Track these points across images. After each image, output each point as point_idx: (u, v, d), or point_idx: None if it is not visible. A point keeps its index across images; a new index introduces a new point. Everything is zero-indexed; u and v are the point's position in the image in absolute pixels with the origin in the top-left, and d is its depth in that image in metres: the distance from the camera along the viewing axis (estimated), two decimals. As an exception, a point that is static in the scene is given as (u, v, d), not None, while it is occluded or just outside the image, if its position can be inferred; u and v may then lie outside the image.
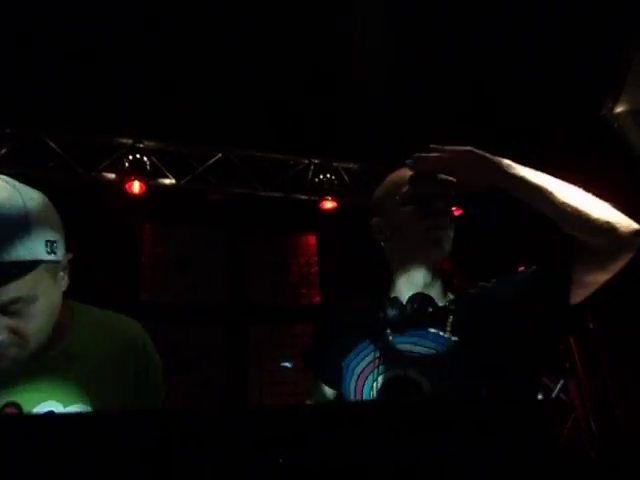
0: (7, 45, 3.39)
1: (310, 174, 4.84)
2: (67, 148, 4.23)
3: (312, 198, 4.81)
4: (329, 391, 1.40)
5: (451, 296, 1.32)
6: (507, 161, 1.09)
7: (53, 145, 4.21)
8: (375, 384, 1.22)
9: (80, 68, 3.62)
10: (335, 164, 4.87)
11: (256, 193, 4.72)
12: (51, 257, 0.96)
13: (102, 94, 3.81)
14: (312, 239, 5.30)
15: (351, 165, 4.93)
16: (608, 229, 1.01)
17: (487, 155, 1.10)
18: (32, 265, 0.91)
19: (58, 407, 0.99)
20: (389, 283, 1.37)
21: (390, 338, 1.26)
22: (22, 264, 0.90)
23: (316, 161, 4.84)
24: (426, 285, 1.30)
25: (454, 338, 1.20)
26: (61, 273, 1.02)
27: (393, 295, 1.31)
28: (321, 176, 4.81)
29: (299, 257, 5.22)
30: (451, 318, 1.22)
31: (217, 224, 5.01)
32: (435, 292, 1.29)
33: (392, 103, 4.03)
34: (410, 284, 1.30)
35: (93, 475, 0.44)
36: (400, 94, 3.96)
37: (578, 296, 1.11)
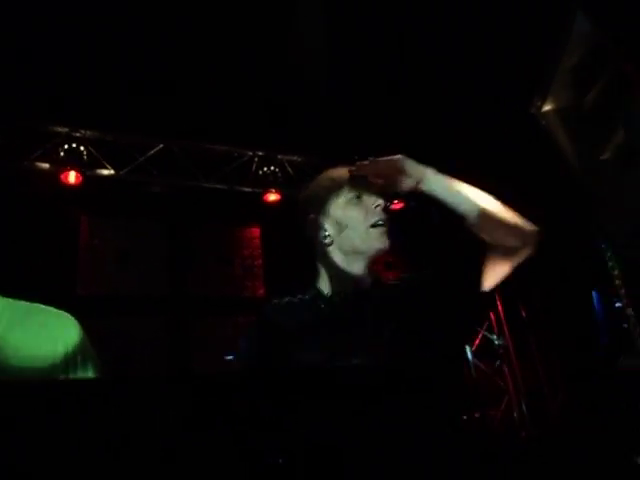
0: None
1: (254, 166, 4.82)
2: (-2, 135, 4.03)
3: (256, 190, 4.79)
4: None
5: (376, 290, 1.42)
6: (432, 169, 1.31)
7: (-19, 132, 3.99)
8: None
9: (17, 52, 3.45)
10: (279, 157, 4.87)
11: (199, 185, 4.66)
12: None
13: (38, 80, 3.64)
14: (256, 231, 5.28)
15: (295, 158, 4.94)
16: (514, 230, 1.25)
17: (415, 163, 1.31)
18: None
19: None
20: (320, 276, 1.46)
21: (329, 332, 1.33)
22: None
23: (260, 153, 4.82)
24: (363, 278, 1.41)
25: (387, 333, 1.30)
26: None
27: (325, 290, 1.42)
28: (265, 168, 4.80)
29: (243, 249, 5.19)
30: (378, 312, 1.33)
31: (159, 216, 4.91)
32: (368, 282, 1.41)
33: (337, 97, 4.07)
34: (347, 278, 1.40)
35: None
36: (345, 88, 4.01)
37: (488, 285, 1.31)
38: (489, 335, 5.11)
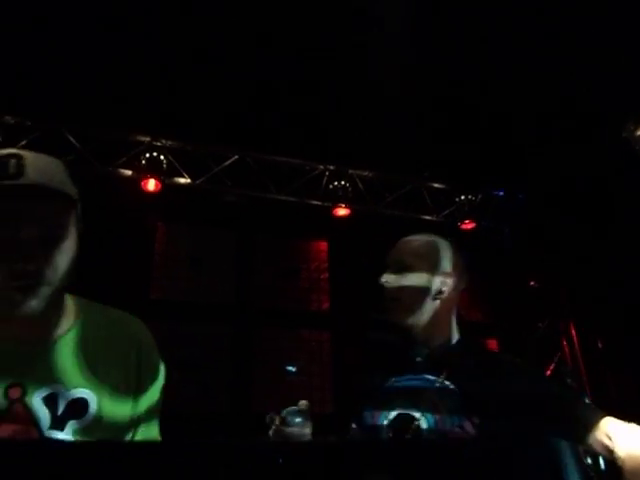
0: (30, 40, 3.43)
1: (325, 180, 4.84)
2: (86, 143, 4.28)
3: (325, 204, 4.81)
4: None
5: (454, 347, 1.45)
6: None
7: (72, 139, 4.25)
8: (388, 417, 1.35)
9: (103, 64, 3.66)
10: (350, 171, 4.87)
11: (270, 196, 4.73)
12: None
13: (123, 91, 3.84)
14: (324, 245, 5.29)
15: (366, 173, 4.93)
16: None
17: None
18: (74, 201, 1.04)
19: (60, 390, 1.00)
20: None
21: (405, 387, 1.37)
22: (68, 196, 1.02)
23: (331, 167, 4.84)
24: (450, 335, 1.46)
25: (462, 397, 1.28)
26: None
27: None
28: (336, 183, 4.81)
29: (310, 262, 5.21)
30: (457, 376, 1.32)
31: (230, 225, 5.02)
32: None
33: (410, 113, 4.03)
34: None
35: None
36: (418, 104, 3.96)
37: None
38: (562, 367, 4.83)
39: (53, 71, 3.65)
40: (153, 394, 1.14)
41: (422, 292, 1.41)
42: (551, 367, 4.89)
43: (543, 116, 3.91)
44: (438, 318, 1.43)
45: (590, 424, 1.16)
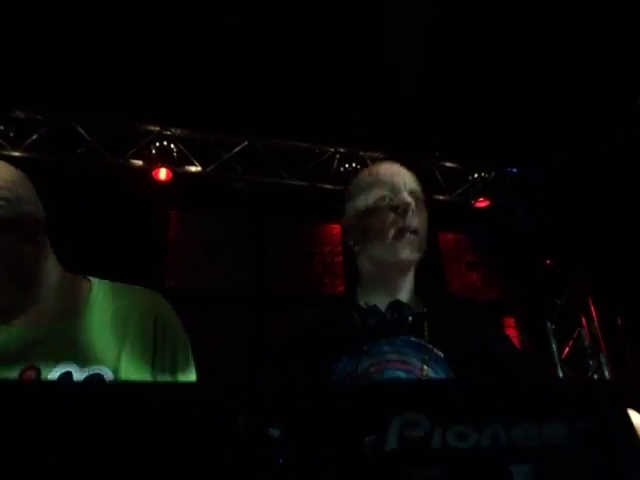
0: (37, 34, 3.43)
1: (336, 163, 4.81)
2: (96, 135, 4.29)
3: (337, 187, 4.78)
4: None
5: (420, 304, 1.27)
6: None
7: (82, 131, 4.26)
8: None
9: (109, 56, 3.66)
10: (361, 153, 4.83)
11: (281, 181, 4.72)
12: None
13: (130, 82, 3.84)
14: (337, 228, 5.27)
15: (377, 154, 4.88)
16: None
17: None
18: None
19: (74, 368, 1.01)
20: (357, 289, 1.33)
21: (371, 347, 1.17)
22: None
23: (342, 150, 4.80)
24: (397, 291, 1.25)
25: (437, 351, 1.15)
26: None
27: (363, 301, 1.26)
28: (347, 165, 4.78)
29: (323, 246, 5.20)
30: (427, 329, 1.18)
31: (242, 212, 5.02)
32: (406, 298, 1.26)
33: (421, 94, 3.98)
34: (383, 291, 1.26)
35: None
36: (429, 85, 3.91)
37: None
38: (581, 345, 4.79)
39: (60, 64, 3.65)
40: (170, 364, 1.10)
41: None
42: (570, 344, 4.86)
43: (557, 92, 3.84)
44: None
45: None
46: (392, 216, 1.22)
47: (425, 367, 1.12)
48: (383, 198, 1.25)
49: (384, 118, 4.24)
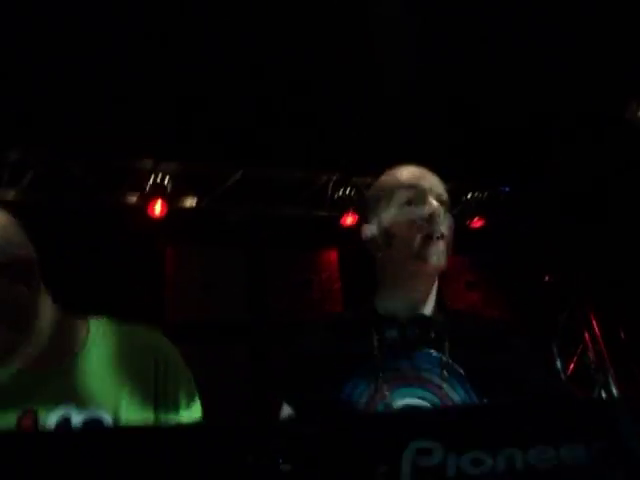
0: (28, 74, 3.47)
1: (330, 190, 4.83)
2: (89, 172, 4.30)
3: (333, 214, 4.79)
4: None
5: (442, 315, 1.23)
6: None
7: (76, 170, 4.28)
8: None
9: (100, 92, 3.69)
10: (354, 179, 4.86)
11: (276, 210, 4.73)
12: None
13: (122, 118, 3.87)
14: (334, 255, 5.27)
15: (370, 179, 4.91)
16: None
17: None
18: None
19: (73, 412, 0.99)
20: (378, 297, 1.27)
21: (390, 361, 1.14)
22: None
23: (335, 177, 4.83)
24: (420, 302, 1.22)
25: (457, 367, 1.12)
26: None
27: (382, 311, 1.23)
28: (341, 192, 4.80)
29: (321, 273, 5.18)
30: (448, 344, 1.14)
31: (238, 243, 5.02)
32: (428, 310, 1.22)
33: (411, 118, 4.02)
34: (404, 301, 1.22)
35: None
36: (420, 108, 3.95)
37: None
38: (585, 359, 4.75)
39: (49, 103, 3.68)
40: (172, 403, 1.08)
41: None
42: (574, 360, 4.82)
43: (548, 111, 3.89)
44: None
45: None
46: (419, 222, 1.17)
47: (444, 384, 1.09)
48: (409, 203, 1.21)
49: (375, 142, 4.28)
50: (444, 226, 1.18)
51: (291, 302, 4.97)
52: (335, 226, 4.79)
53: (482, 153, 4.34)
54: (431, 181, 1.25)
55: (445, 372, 1.10)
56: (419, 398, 1.09)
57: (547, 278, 5.03)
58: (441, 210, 1.19)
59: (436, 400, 1.08)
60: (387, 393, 1.08)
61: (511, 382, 1.09)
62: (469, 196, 5.03)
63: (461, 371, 1.10)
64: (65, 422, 0.97)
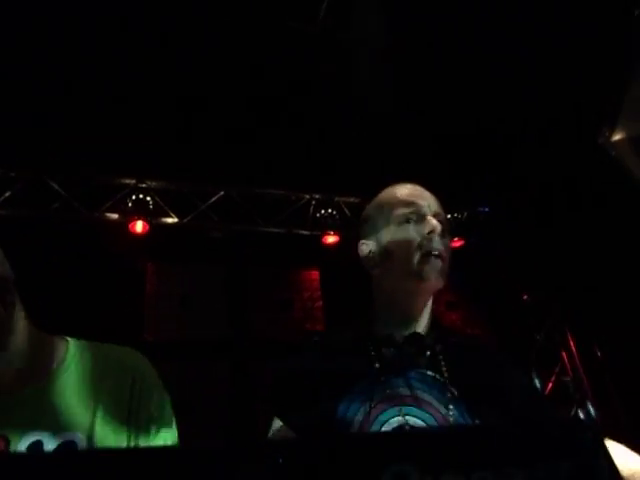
0: (7, 85, 3.45)
1: (312, 209, 4.86)
2: (70, 189, 4.27)
3: (314, 233, 4.82)
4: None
5: (436, 334, 1.23)
6: None
7: (56, 187, 4.25)
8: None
9: (81, 110, 3.69)
10: (336, 199, 4.90)
11: (258, 229, 4.74)
12: None
13: (104, 135, 3.86)
14: (315, 274, 5.28)
15: (352, 199, 4.96)
16: None
17: None
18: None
19: (46, 436, 0.97)
20: (374, 315, 1.27)
21: (386, 380, 1.13)
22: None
23: (317, 196, 4.87)
24: (416, 320, 1.21)
25: (454, 390, 1.12)
26: None
27: (378, 329, 1.22)
28: (322, 211, 4.83)
29: (303, 292, 5.19)
30: (443, 364, 1.15)
31: (219, 261, 5.01)
32: (423, 329, 1.22)
33: (393, 138, 4.08)
34: (400, 319, 1.22)
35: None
36: (401, 129, 4.01)
37: None
38: (563, 378, 4.80)
39: (32, 119, 3.66)
40: (146, 425, 1.06)
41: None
42: (552, 379, 4.87)
43: (524, 129, 3.98)
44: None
45: None
46: (417, 239, 1.17)
47: (439, 404, 1.09)
48: (407, 220, 1.21)
49: (356, 163, 4.33)
50: (442, 244, 1.19)
51: (272, 320, 4.96)
52: (317, 245, 4.81)
53: (461, 173, 4.42)
54: (430, 199, 1.26)
55: (440, 392, 1.11)
56: (415, 417, 1.08)
57: (525, 297, 5.10)
58: (439, 228, 1.19)
59: (431, 420, 1.08)
60: (381, 412, 1.08)
61: (501, 401, 1.10)
62: (448, 216, 5.09)
63: (455, 391, 1.11)
64: (37, 447, 0.95)
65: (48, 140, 3.85)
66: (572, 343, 4.84)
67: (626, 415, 4.43)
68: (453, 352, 1.18)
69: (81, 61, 3.39)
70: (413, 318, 1.21)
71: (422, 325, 1.22)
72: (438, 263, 1.17)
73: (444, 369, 1.14)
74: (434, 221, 1.19)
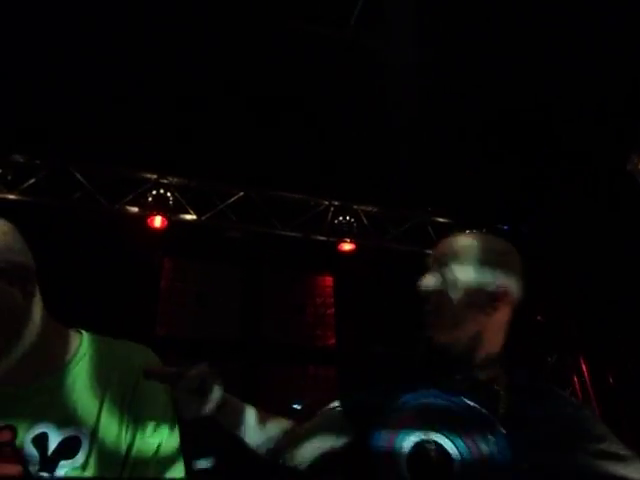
0: (37, 79, 3.51)
1: (330, 215, 4.87)
2: (93, 180, 4.33)
3: (330, 239, 4.82)
4: (334, 425, 1.30)
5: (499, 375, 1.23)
6: None
7: (79, 177, 4.31)
8: (406, 443, 1.12)
9: (110, 103, 3.74)
10: (355, 207, 4.90)
11: (275, 232, 4.75)
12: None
13: (130, 129, 3.91)
14: (329, 280, 5.28)
15: (370, 208, 4.95)
16: None
17: None
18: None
19: (52, 429, 0.98)
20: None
21: (431, 397, 1.17)
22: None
23: (336, 203, 4.87)
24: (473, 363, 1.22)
25: (496, 420, 1.09)
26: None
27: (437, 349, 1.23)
28: (340, 218, 4.83)
29: (316, 298, 5.19)
30: (501, 407, 1.12)
31: (235, 261, 5.03)
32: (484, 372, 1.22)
33: (414, 149, 4.07)
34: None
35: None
36: (422, 139, 4.00)
37: None
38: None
39: (61, 109, 3.73)
40: (161, 433, 1.06)
41: (469, 295, 1.17)
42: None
43: (547, 150, 3.95)
44: (488, 332, 1.22)
45: None
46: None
47: (479, 435, 1.08)
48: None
49: (378, 172, 4.33)
50: (435, 302, 1.25)
51: (284, 324, 4.97)
52: (332, 252, 4.81)
53: (481, 190, 4.39)
54: (443, 258, 1.33)
55: (483, 423, 1.09)
56: (452, 443, 1.09)
57: (539, 318, 5.04)
58: (430, 289, 1.27)
59: (465, 450, 1.07)
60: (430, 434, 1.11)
61: (554, 439, 1.07)
62: (467, 232, 5.05)
63: (501, 428, 1.08)
64: (42, 440, 0.96)
65: (75, 131, 3.92)
66: (585, 368, 4.76)
67: (636, 445, 4.33)
68: (505, 382, 1.20)
69: (113, 55, 3.44)
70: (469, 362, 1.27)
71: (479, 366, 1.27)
72: (433, 320, 1.25)
73: (503, 406, 1.12)
74: (427, 281, 1.28)
